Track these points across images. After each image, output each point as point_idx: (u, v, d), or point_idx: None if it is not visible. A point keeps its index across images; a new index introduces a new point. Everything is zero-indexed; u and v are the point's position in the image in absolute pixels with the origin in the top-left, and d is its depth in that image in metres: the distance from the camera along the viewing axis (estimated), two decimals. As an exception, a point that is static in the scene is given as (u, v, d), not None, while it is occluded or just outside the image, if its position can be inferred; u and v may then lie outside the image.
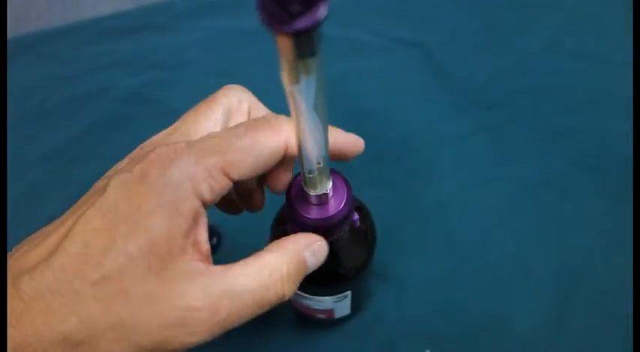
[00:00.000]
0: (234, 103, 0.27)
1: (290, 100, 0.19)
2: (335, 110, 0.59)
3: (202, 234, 0.23)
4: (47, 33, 0.68)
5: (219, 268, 0.22)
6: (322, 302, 0.38)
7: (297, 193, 0.27)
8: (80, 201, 0.23)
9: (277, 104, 0.59)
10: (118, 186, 0.21)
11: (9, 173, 0.55)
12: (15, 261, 0.21)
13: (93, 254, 0.20)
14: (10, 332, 0.19)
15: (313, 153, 0.22)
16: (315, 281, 0.36)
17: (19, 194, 0.55)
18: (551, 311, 0.46)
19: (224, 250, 0.50)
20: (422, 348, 0.45)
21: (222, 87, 0.28)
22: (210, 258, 0.23)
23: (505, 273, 0.48)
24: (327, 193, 0.26)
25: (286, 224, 0.34)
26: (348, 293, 0.38)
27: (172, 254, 0.21)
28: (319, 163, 0.23)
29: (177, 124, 0.26)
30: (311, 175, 0.24)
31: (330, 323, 0.45)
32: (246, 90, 0.28)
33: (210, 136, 0.23)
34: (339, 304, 0.39)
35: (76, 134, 0.58)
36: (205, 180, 0.22)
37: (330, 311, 0.41)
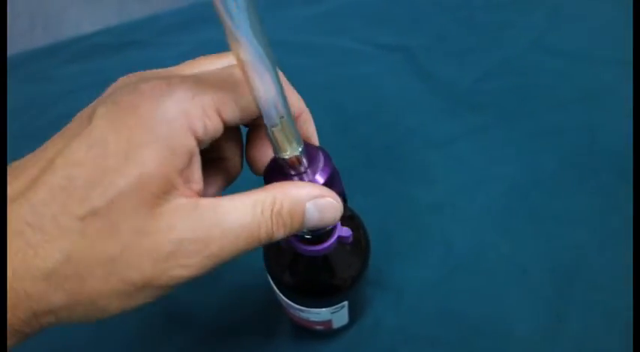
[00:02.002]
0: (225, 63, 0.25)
1: (227, 33, 0.18)
2: (324, 117, 0.59)
3: (196, 173, 0.22)
4: (31, 53, 0.68)
5: (210, 201, 0.21)
6: (319, 314, 0.38)
7: (272, 167, 0.26)
8: (63, 131, 0.21)
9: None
10: (105, 117, 0.20)
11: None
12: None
13: (78, 188, 0.19)
14: None
15: (269, 95, 0.20)
16: (312, 293, 0.36)
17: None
18: (549, 310, 0.46)
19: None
20: (422, 354, 0.45)
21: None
22: (200, 195, 0.22)
23: (501, 274, 0.48)
24: (299, 157, 0.24)
25: None
26: (345, 303, 0.38)
27: (164, 189, 0.20)
28: (282, 116, 0.21)
29: (171, 68, 0.24)
30: (275, 128, 0.22)
31: (328, 333, 0.45)
32: None
33: (205, 73, 0.22)
34: (336, 315, 0.39)
35: (64, 154, 0.57)
36: (200, 118, 0.21)
37: (328, 322, 0.40)
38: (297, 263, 0.35)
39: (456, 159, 0.56)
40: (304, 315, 0.39)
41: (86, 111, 0.21)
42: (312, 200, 0.23)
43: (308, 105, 0.62)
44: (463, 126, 0.58)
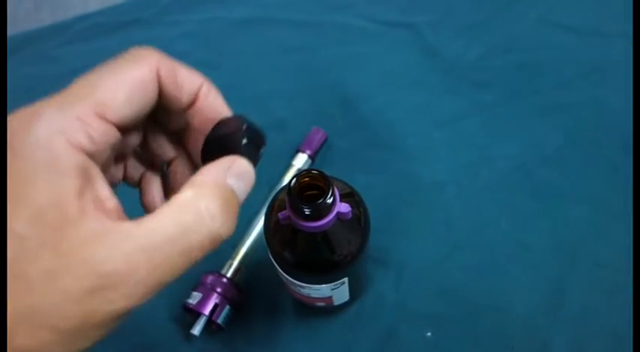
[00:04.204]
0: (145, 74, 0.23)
1: None
2: (327, 95, 0.59)
3: (102, 189, 0.20)
4: (36, 33, 0.68)
5: (129, 223, 0.19)
6: (320, 290, 0.38)
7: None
8: None
9: (265, 92, 0.58)
10: None
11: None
12: None
13: None
14: None
15: None
16: (312, 269, 0.36)
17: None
18: (550, 287, 0.46)
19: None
20: (423, 331, 0.45)
21: (129, 49, 0.24)
22: (123, 214, 0.20)
23: (503, 251, 0.48)
24: None
25: None
26: (345, 279, 0.38)
27: (68, 218, 0.18)
28: None
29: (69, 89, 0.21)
30: None
31: (329, 310, 0.46)
32: (158, 52, 0.24)
33: (73, 83, 0.21)
34: (337, 291, 0.39)
35: (69, 134, 0.58)
36: (80, 129, 0.19)
37: (329, 299, 0.41)
38: (296, 239, 0.35)
39: (460, 137, 0.55)
40: (305, 292, 0.39)
41: None
42: (228, 174, 0.22)
43: (311, 83, 0.62)
44: (467, 104, 0.57)
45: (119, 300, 0.18)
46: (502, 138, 0.55)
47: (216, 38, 0.65)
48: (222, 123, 0.25)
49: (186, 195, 0.20)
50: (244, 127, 0.24)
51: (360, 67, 0.61)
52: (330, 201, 0.30)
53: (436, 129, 0.56)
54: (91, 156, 0.20)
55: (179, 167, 0.28)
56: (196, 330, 0.44)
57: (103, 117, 0.20)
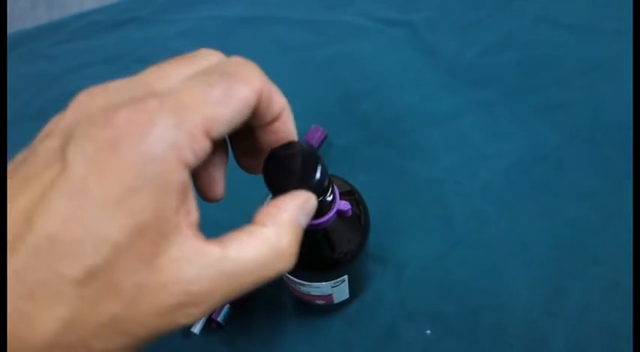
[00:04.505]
0: (203, 64, 0.22)
1: None
2: (325, 93, 0.59)
3: (192, 204, 0.20)
4: (33, 31, 0.68)
5: (214, 248, 0.20)
6: (320, 288, 0.38)
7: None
8: (25, 169, 0.18)
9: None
10: (82, 160, 0.17)
11: None
12: None
13: (65, 247, 0.17)
14: None
15: None
16: (312, 267, 0.36)
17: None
18: (549, 285, 0.46)
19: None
20: (422, 329, 0.45)
21: (199, 49, 0.23)
22: (198, 226, 0.21)
23: (502, 249, 0.48)
24: None
25: None
26: (345, 277, 0.38)
27: (164, 234, 0.18)
28: None
29: (139, 76, 0.21)
30: None
31: (329, 308, 0.46)
32: (218, 52, 0.24)
33: (182, 88, 0.20)
34: (337, 289, 0.39)
35: (66, 132, 0.58)
36: (189, 145, 0.19)
37: (329, 297, 0.41)
38: (296, 237, 0.35)
39: (458, 135, 0.55)
40: (305, 289, 0.39)
41: (47, 142, 0.19)
42: (301, 213, 0.24)
43: (310, 81, 0.62)
44: (465, 102, 0.57)
45: (194, 315, 0.20)
46: (500, 136, 0.55)
47: (214, 36, 0.65)
48: (287, 145, 0.25)
49: (269, 232, 0.22)
50: (304, 151, 0.25)
51: (359, 65, 0.61)
52: (330, 198, 0.30)
53: (434, 127, 0.56)
54: (190, 169, 0.19)
55: (216, 164, 0.27)
56: (196, 328, 0.44)
57: (208, 134, 0.19)
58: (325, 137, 0.54)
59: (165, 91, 0.19)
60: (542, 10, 0.62)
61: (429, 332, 0.45)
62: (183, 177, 0.19)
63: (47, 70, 0.64)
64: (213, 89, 0.20)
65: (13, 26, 0.76)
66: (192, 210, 0.20)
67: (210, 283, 0.19)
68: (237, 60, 0.22)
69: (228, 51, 0.69)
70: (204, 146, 0.19)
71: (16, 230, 0.17)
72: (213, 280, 0.20)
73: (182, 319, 0.19)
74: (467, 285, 0.47)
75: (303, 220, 0.24)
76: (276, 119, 0.24)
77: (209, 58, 0.23)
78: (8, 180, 0.18)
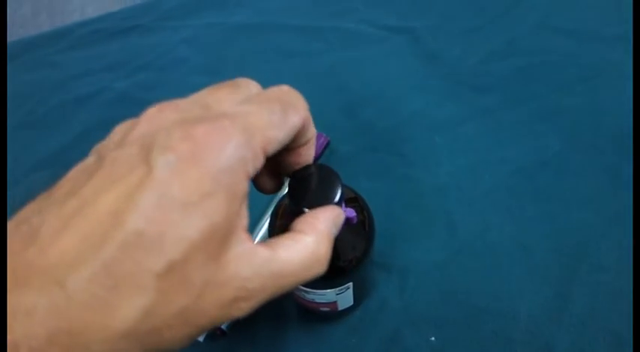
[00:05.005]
0: (253, 90, 0.26)
1: None
2: (328, 101, 0.59)
3: (245, 210, 0.23)
4: (36, 39, 0.68)
5: (265, 250, 0.23)
6: (325, 295, 0.38)
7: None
8: (107, 172, 0.20)
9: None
10: (165, 167, 0.19)
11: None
12: (39, 250, 0.18)
13: (151, 243, 0.19)
14: (61, 338, 0.17)
15: None
16: (317, 274, 0.36)
17: (15, 203, 0.55)
18: (554, 290, 0.46)
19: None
20: (427, 336, 0.45)
21: (239, 79, 0.26)
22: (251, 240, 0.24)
23: (506, 255, 0.48)
24: None
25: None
26: (350, 284, 0.38)
27: (229, 236, 0.21)
28: None
29: (196, 97, 0.24)
30: None
31: (334, 315, 0.46)
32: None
33: (248, 111, 0.23)
34: (341, 296, 0.39)
35: (69, 140, 0.58)
36: (252, 161, 0.22)
37: (334, 304, 0.41)
38: (301, 245, 0.35)
39: (461, 142, 0.55)
40: (309, 297, 0.39)
41: (130, 150, 0.21)
42: (334, 225, 0.27)
43: (312, 88, 0.63)
44: (468, 108, 0.58)
45: (245, 309, 0.22)
46: (503, 142, 0.55)
47: (217, 44, 0.66)
48: (308, 167, 0.29)
49: (310, 239, 0.25)
50: (324, 171, 0.30)
51: (361, 72, 0.61)
52: None
53: (437, 133, 0.56)
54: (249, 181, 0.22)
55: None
56: (200, 336, 0.43)
57: (265, 152, 0.22)
58: (328, 144, 0.54)
59: (230, 112, 0.22)
60: (544, 17, 0.63)
61: (433, 338, 0.45)
62: (245, 187, 0.22)
63: (51, 77, 0.64)
64: (273, 114, 0.23)
65: (14, 33, 0.76)
66: (245, 216, 0.23)
67: (262, 280, 0.22)
68: (287, 88, 0.26)
69: (231, 58, 0.70)
70: (261, 161, 0.22)
71: (103, 226, 0.18)
72: (264, 278, 0.22)
73: (235, 311, 0.22)
74: (471, 291, 0.47)
75: (335, 231, 0.27)
76: (305, 143, 0.27)
77: (250, 86, 0.26)
78: (89, 181, 0.20)
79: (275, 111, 0.23)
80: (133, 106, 0.63)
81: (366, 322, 0.46)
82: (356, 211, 0.33)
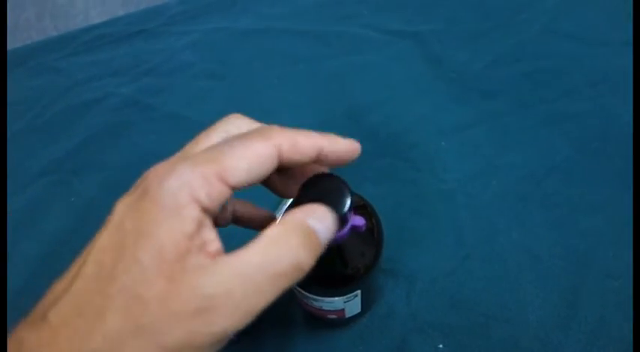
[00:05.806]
0: (232, 131, 0.27)
1: None
2: (334, 105, 0.59)
3: (208, 234, 0.23)
4: (41, 44, 0.68)
5: (227, 256, 0.23)
6: (333, 303, 0.38)
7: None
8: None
9: (271, 103, 0.58)
10: (122, 207, 0.23)
11: (10, 187, 0.54)
12: (44, 299, 0.22)
13: (107, 270, 0.21)
14: None
15: None
16: (325, 282, 0.36)
17: (20, 208, 0.55)
18: (562, 298, 0.46)
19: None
20: (434, 343, 0.45)
21: (223, 117, 0.28)
22: (223, 253, 0.24)
23: (514, 262, 0.48)
24: None
25: None
26: (358, 292, 0.38)
27: (180, 255, 0.22)
28: None
29: (178, 154, 0.26)
30: None
31: (341, 322, 0.45)
32: (246, 117, 0.28)
33: (206, 149, 0.25)
34: (349, 303, 0.39)
35: (74, 145, 0.58)
36: (202, 187, 0.23)
37: (341, 311, 0.40)
38: (310, 252, 0.34)
39: (468, 147, 0.55)
40: (317, 304, 0.39)
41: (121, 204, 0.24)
42: (309, 217, 0.25)
43: (318, 93, 0.63)
44: (475, 113, 0.57)
45: (218, 322, 0.21)
46: (509, 147, 0.55)
47: (222, 49, 0.65)
48: (318, 176, 0.30)
49: (272, 232, 0.24)
50: (332, 179, 0.30)
51: (367, 76, 0.61)
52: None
53: (443, 138, 0.56)
54: (206, 208, 0.23)
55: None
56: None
57: (223, 180, 0.23)
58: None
59: (194, 153, 0.24)
60: (551, 22, 0.62)
61: (441, 346, 0.45)
62: (196, 211, 0.23)
63: (56, 82, 0.64)
64: (231, 147, 0.24)
65: (18, 37, 0.76)
66: (209, 241, 0.23)
67: (225, 286, 0.22)
68: (261, 125, 0.27)
69: (236, 63, 0.70)
70: (220, 190, 0.23)
71: (77, 267, 0.22)
72: (227, 283, 0.22)
73: (204, 327, 0.21)
74: (479, 298, 0.47)
75: (314, 223, 0.25)
76: (315, 158, 0.28)
77: (238, 123, 0.27)
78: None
79: (234, 144, 0.24)
80: (138, 111, 0.63)
81: (373, 329, 0.46)
82: (365, 218, 0.33)
